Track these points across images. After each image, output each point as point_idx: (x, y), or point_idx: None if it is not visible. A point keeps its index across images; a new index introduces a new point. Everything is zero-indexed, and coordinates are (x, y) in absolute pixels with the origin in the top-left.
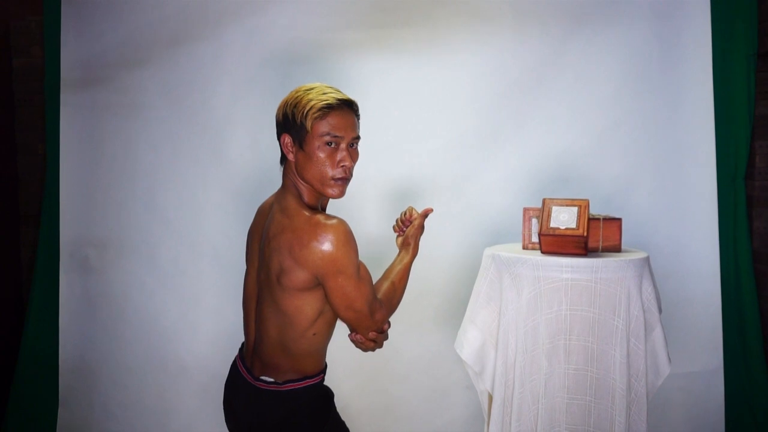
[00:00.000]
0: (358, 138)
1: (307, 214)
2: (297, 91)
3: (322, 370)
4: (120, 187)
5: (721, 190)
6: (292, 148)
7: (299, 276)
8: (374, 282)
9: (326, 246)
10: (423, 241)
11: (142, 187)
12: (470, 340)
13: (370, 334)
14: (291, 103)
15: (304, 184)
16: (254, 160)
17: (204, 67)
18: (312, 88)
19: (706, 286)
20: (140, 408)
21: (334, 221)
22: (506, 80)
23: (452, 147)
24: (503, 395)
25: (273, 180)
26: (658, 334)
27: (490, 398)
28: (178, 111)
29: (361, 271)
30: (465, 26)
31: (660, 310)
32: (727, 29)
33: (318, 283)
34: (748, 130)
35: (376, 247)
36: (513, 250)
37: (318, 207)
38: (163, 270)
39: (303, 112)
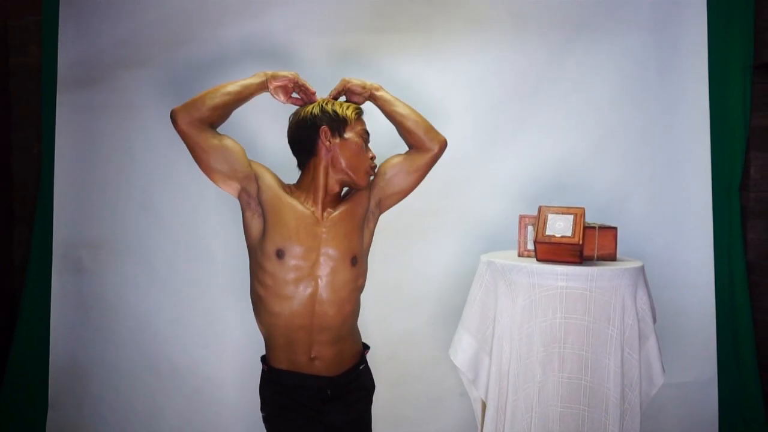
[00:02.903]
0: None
1: None
2: (320, 101)
3: (271, 365)
4: (115, 188)
5: (716, 200)
6: (330, 137)
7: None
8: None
9: None
10: (418, 247)
11: (138, 188)
12: (464, 347)
13: None
14: (326, 102)
15: (333, 175)
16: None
17: (202, 69)
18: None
19: (701, 297)
20: (131, 410)
21: None
22: (504, 87)
23: (448, 153)
24: (497, 403)
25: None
26: (652, 343)
27: (484, 405)
28: None
29: None
30: (463, 32)
31: (654, 320)
32: (723, 40)
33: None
34: (744, 141)
35: (374, 251)
36: (508, 257)
37: None
38: (158, 271)
39: (343, 108)
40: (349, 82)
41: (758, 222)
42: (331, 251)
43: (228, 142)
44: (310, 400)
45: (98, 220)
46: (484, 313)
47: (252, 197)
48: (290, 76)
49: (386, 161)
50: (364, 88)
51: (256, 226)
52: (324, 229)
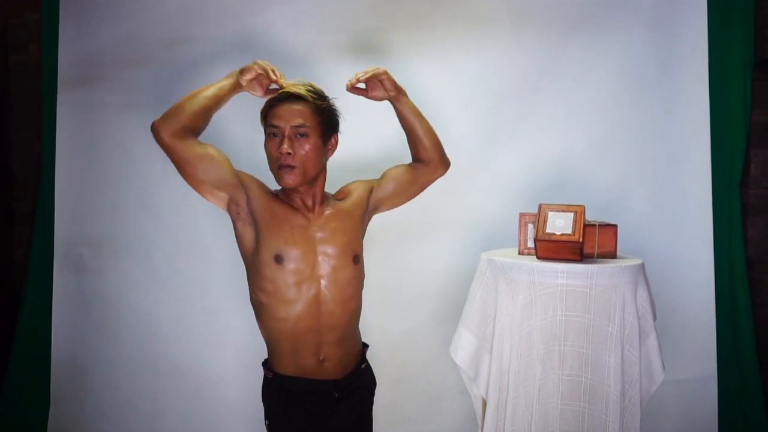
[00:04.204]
0: (301, 126)
1: None
2: None
3: (277, 371)
4: (115, 187)
5: (716, 197)
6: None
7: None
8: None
9: None
10: (419, 245)
11: (138, 187)
12: (465, 345)
13: None
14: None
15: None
16: (251, 161)
17: (202, 67)
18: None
19: (701, 294)
20: (132, 409)
21: None
22: (503, 85)
23: (448, 151)
24: (497, 400)
25: (269, 180)
26: (652, 340)
27: (484, 403)
28: None
29: None
30: (463, 30)
31: (654, 317)
32: (723, 37)
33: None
34: (744, 138)
35: (374, 249)
36: (509, 255)
37: (295, 196)
38: (158, 270)
39: (262, 109)
40: (384, 74)
41: (758, 218)
42: (329, 250)
43: (212, 151)
44: (317, 404)
45: (99, 218)
46: (484, 311)
47: (242, 207)
48: (256, 67)
49: (390, 169)
50: (395, 86)
51: (248, 235)
52: (316, 229)
